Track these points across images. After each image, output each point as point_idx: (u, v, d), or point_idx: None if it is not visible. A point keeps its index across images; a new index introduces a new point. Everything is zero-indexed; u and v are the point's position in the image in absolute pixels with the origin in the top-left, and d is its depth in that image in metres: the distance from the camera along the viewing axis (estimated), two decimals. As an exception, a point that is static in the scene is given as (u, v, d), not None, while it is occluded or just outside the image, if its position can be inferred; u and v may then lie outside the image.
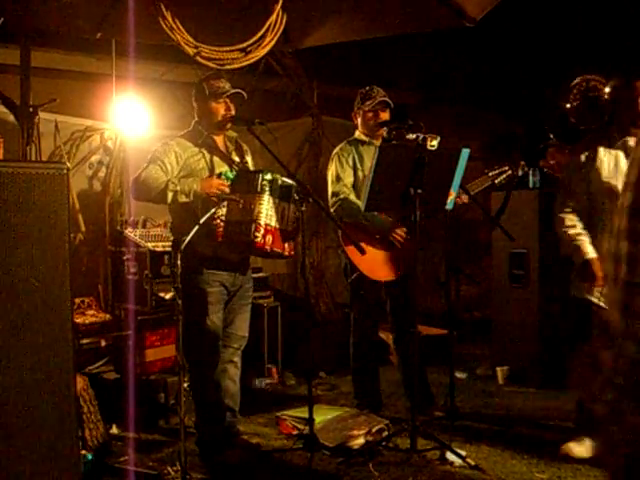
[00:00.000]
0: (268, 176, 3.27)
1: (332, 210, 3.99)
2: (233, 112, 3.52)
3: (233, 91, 3.49)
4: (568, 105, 4.93)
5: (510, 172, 4.16)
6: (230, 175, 3.36)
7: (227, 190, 3.29)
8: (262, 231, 3.21)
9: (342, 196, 3.97)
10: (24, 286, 2.46)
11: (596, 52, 6.00)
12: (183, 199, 3.31)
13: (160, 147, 3.49)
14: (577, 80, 4.78)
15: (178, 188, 3.31)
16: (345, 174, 4.02)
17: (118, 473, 3.28)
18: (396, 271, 3.96)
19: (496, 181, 4.14)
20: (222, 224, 3.27)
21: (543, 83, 5.84)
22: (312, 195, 3.35)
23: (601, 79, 4.99)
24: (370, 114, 4.04)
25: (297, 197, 3.32)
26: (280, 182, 3.32)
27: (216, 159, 3.50)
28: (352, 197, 3.97)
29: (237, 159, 3.59)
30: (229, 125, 3.53)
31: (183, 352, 3.19)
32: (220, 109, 3.48)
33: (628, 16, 6.44)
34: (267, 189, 3.25)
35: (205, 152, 3.49)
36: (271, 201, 3.27)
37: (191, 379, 3.61)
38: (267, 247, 3.24)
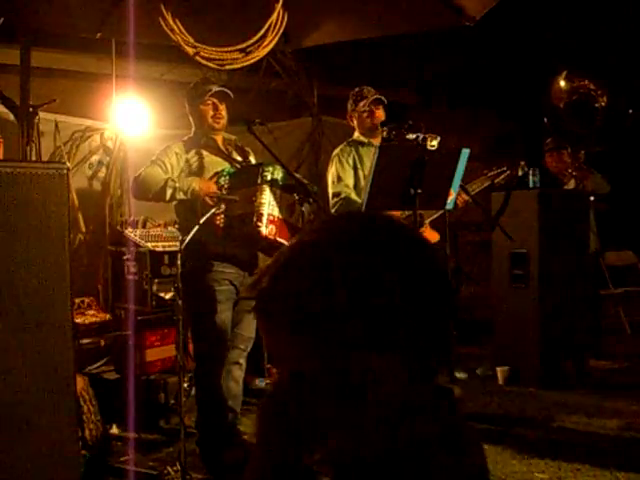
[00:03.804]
0: (269, 168, 3.29)
1: (333, 210, 3.98)
2: (223, 112, 3.54)
3: (216, 89, 3.51)
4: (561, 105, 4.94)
5: (509, 172, 4.18)
6: (231, 170, 3.39)
7: (223, 192, 3.31)
8: (265, 221, 3.22)
9: (343, 195, 3.97)
10: (24, 286, 2.46)
11: (595, 52, 6.00)
12: (181, 196, 3.35)
13: (162, 150, 3.53)
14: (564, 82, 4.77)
15: (177, 185, 3.34)
16: (346, 174, 4.02)
17: (118, 473, 3.29)
18: None
19: (495, 181, 4.17)
20: (223, 219, 3.29)
21: (543, 83, 5.83)
22: (312, 195, 3.35)
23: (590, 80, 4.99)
24: (365, 114, 4.04)
25: (297, 197, 3.33)
26: (282, 174, 3.34)
27: (215, 159, 3.52)
28: (353, 196, 3.96)
29: (239, 158, 3.62)
30: (221, 125, 3.55)
31: (190, 350, 3.18)
32: (208, 110, 3.51)
33: (626, 16, 6.44)
34: (268, 180, 3.27)
35: (204, 152, 3.51)
36: (273, 192, 3.29)
37: (196, 378, 3.61)
38: (271, 237, 3.24)
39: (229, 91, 3.55)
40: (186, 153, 3.50)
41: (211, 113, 3.51)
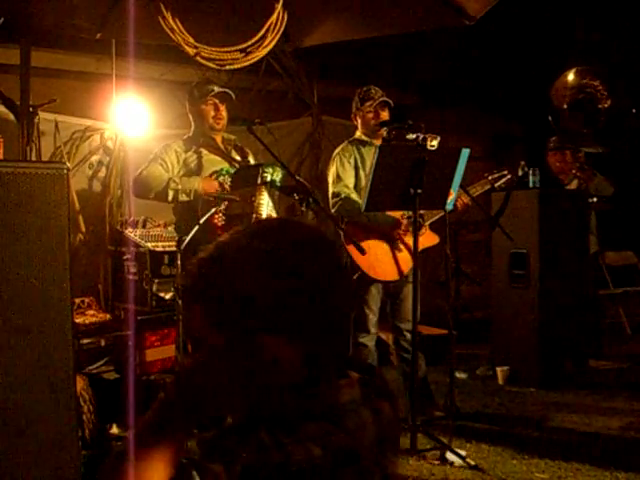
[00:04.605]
0: (269, 169, 3.32)
1: (333, 210, 3.98)
2: (224, 113, 3.58)
3: (218, 90, 3.55)
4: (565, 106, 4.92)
5: (510, 176, 4.20)
6: (230, 170, 3.42)
7: (227, 189, 3.34)
8: None
9: (343, 195, 3.96)
10: (24, 286, 2.46)
11: (598, 52, 6.00)
12: (184, 198, 3.38)
13: (161, 147, 3.58)
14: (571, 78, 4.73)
15: (179, 187, 3.37)
16: (346, 174, 4.02)
17: (118, 473, 3.28)
18: (399, 271, 3.94)
19: (496, 185, 4.18)
20: (223, 217, 3.31)
21: (544, 83, 5.82)
22: (312, 195, 3.36)
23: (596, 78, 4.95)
24: (370, 114, 4.04)
25: (297, 197, 3.34)
26: (281, 175, 3.37)
27: (214, 157, 3.56)
28: (353, 196, 3.96)
29: (238, 158, 3.65)
30: (221, 125, 3.58)
31: (190, 350, 3.19)
32: (210, 110, 3.58)
33: (628, 16, 6.43)
34: (267, 181, 3.30)
35: (203, 151, 3.55)
36: (272, 194, 3.32)
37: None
38: None
39: (231, 92, 3.59)
40: (185, 152, 3.55)
41: (212, 113, 3.56)
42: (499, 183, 4.19)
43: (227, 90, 3.60)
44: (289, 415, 0.99)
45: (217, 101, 3.58)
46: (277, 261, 0.99)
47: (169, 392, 1.03)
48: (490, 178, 4.17)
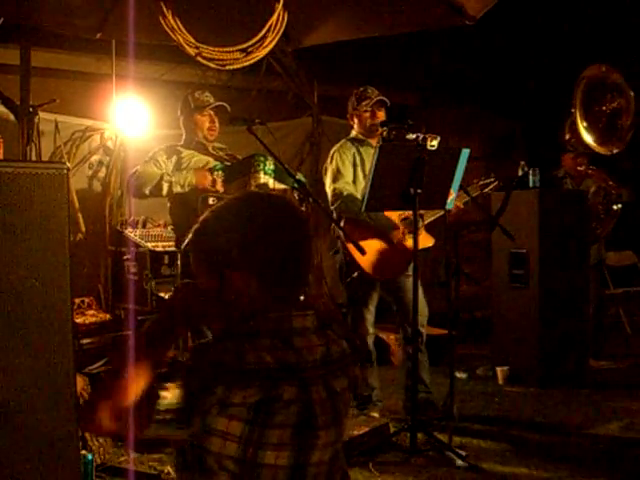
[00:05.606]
0: (260, 157, 3.37)
1: (333, 207, 3.96)
2: (217, 125, 3.69)
3: (217, 104, 3.66)
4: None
5: (496, 183, 4.25)
6: (222, 166, 3.48)
7: (220, 188, 3.39)
8: None
9: (345, 193, 3.94)
10: (24, 286, 2.46)
11: (598, 52, 6.00)
12: (178, 189, 3.47)
13: (154, 152, 3.67)
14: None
15: (173, 179, 3.47)
16: (346, 171, 4.01)
17: (118, 473, 3.28)
18: (402, 269, 3.93)
19: (484, 191, 4.23)
20: None
21: (544, 83, 5.83)
22: (312, 195, 3.37)
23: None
24: (367, 114, 4.04)
25: (297, 196, 3.36)
26: (273, 166, 3.40)
27: (206, 157, 3.65)
28: (355, 194, 3.95)
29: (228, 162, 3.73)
30: (214, 137, 3.68)
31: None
32: (205, 121, 3.69)
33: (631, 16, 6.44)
34: (261, 168, 3.34)
35: (195, 152, 3.64)
36: (267, 179, 3.36)
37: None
38: None
39: (227, 105, 3.67)
40: (179, 154, 3.63)
41: (207, 125, 3.67)
42: (487, 189, 4.25)
43: (224, 104, 3.68)
44: (250, 332, 1.33)
45: (212, 113, 3.67)
46: (244, 221, 1.36)
47: (164, 312, 1.42)
48: (479, 184, 4.22)
